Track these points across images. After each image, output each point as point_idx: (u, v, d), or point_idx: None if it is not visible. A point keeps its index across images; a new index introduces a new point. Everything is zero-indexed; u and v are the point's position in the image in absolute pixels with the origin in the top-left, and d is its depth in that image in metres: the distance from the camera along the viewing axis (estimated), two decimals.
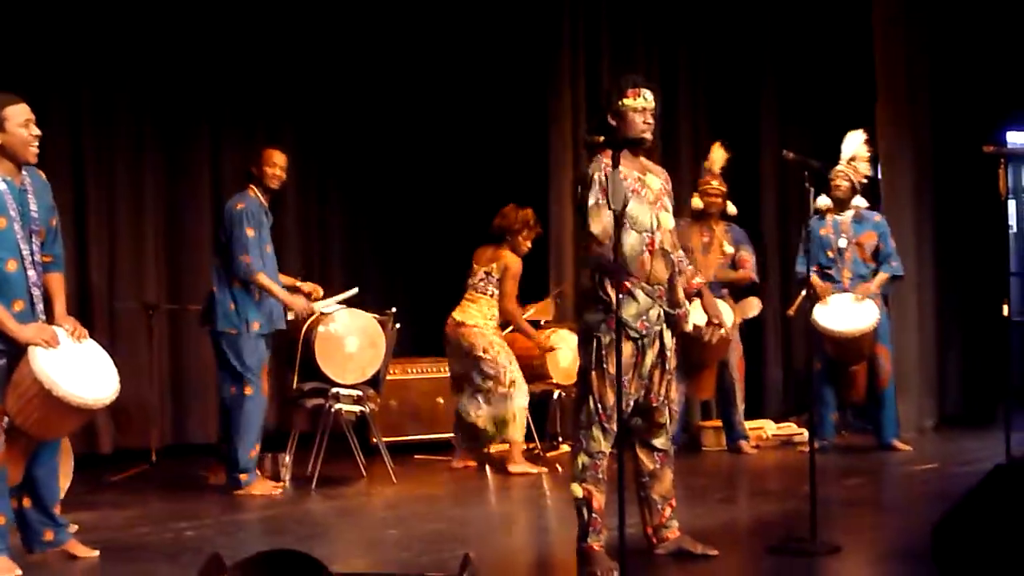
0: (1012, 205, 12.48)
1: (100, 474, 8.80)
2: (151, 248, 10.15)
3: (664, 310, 5.79)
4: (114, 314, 9.86)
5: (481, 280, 8.82)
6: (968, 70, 10.65)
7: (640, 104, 5.73)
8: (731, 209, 9.64)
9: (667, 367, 5.85)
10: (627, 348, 5.59)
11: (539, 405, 9.48)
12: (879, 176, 10.29)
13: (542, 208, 10.31)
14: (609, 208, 5.23)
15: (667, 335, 5.83)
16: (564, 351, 9.19)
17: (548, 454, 9.41)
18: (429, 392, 9.94)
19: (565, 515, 7.46)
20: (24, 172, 5.84)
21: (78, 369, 5.77)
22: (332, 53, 10.84)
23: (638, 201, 5.70)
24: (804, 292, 9.01)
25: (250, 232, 7.97)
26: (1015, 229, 12.65)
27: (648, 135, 5.75)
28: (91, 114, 9.86)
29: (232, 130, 10.42)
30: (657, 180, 5.84)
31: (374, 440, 8.86)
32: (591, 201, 5.64)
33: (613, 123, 5.76)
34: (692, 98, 11.20)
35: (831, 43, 11.13)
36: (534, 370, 9.08)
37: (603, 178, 5.57)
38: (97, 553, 6.20)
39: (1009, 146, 10.86)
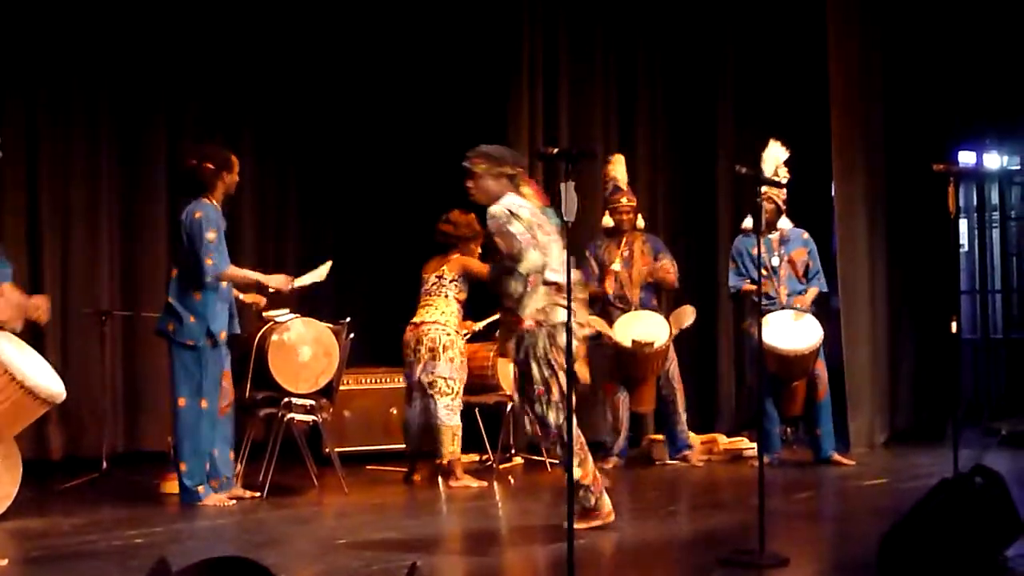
0: (963, 224, 12.59)
1: (50, 481, 8.76)
2: (105, 253, 10.11)
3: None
4: (67, 319, 9.81)
5: (433, 284, 8.83)
6: (921, 88, 10.74)
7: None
8: (640, 223, 9.70)
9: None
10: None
11: (493, 417, 9.50)
12: (832, 193, 10.39)
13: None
14: (562, 220, 5.32)
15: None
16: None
17: (501, 466, 9.42)
18: (382, 403, 9.93)
19: (517, 525, 7.53)
20: None
21: (34, 365, 5.77)
22: (293, 56, 10.84)
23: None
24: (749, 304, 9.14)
25: (211, 235, 7.90)
26: (965, 247, 12.76)
27: (475, 197, 6.93)
28: (47, 115, 9.83)
29: (190, 133, 10.39)
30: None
31: (326, 450, 8.84)
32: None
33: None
34: (650, 104, 11.25)
35: (788, 52, 11.22)
36: (486, 381, 9.10)
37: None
38: (5, 562, 6.10)
39: (960, 165, 10.94)
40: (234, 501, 7.95)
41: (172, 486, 8.22)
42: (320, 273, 8.44)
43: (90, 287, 10.01)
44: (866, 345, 10.38)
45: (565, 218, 5.28)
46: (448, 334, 8.71)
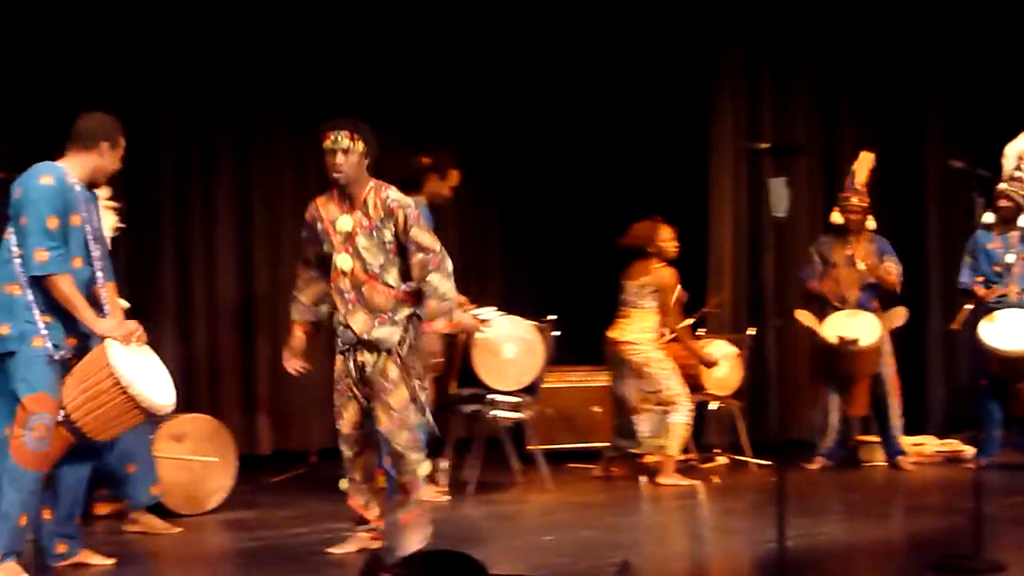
0: None
1: (260, 474, 8.96)
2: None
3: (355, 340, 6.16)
4: (277, 315, 10.00)
5: (633, 295, 8.74)
6: None
7: (329, 146, 6.08)
8: (871, 224, 9.48)
9: (375, 389, 6.18)
10: (339, 360, 6.30)
11: (695, 416, 9.41)
12: None
13: (700, 215, 10.27)
14: (774, 215, 5.22)
15: (368, 355, 6.16)
16: (720, 362, 9.15)
17: (703, 465, 9.34)
18: (585, 401, 9.91)
19: (720, 525, 7.45)
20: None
21: (146, 371, 5.77)
22: (495, 61, 10.90)
23: (328, 243, 6.17)
24: (970, 305, 8.87)
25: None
26: None
27: (338, 175, 6.08)
28: (256, 129, 10.08)
29: (390, 134, 10.51)
30: (349, 221, 6.12)
31: (529, 447, 8.86)
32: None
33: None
34: (854, 106, 11.05)
35: (998, 49, 10.89)
36: (689, 380, 9.03)
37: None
38: (112, 561, 6.14)
39: None
40: (446, 498, 8.02)
41: (380, 481, 8.32)
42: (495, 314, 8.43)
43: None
44: None
45: (774, 213, 5.17)
46: (643, 352, 8.65)
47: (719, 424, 9.69)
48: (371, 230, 6.08)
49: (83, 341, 5.75)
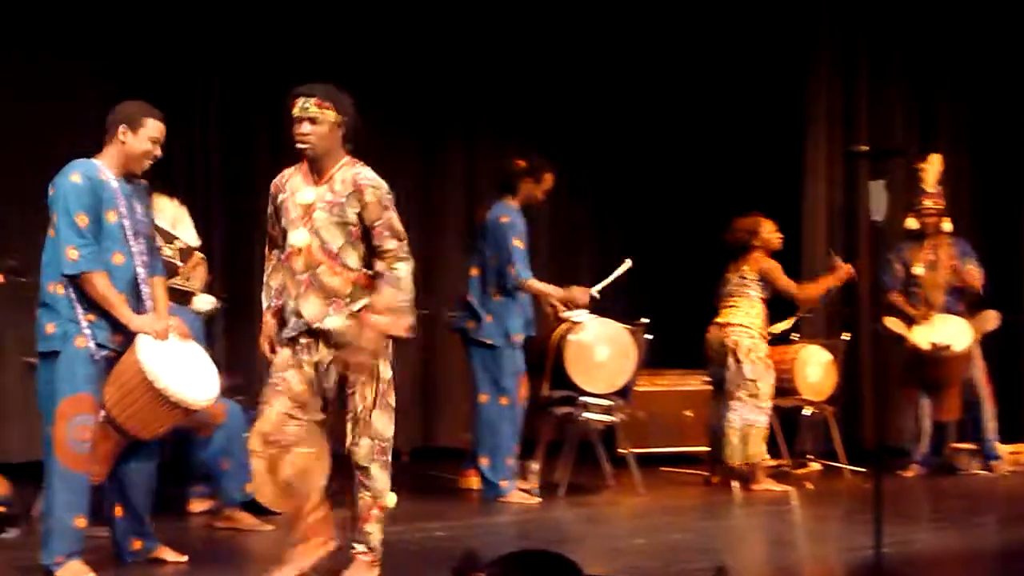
0: None
1: (349, 474, 8.98)
2: None
3: (305, 328, 5.38)
4: None
5: (736, 285, 8.67)
6: None
7: (296, 113, 5.43)
8: (947, 226, 9.36)
9: (344, 386, 5.43)
10: (283, 352, 5.45)
11: (788, 421, 9.34)
12: None
13: (794, 215, 10.17)
14: (872, 219, 5.13)
15: (323, 349, 5.39)
16: (814, 367, 9.06)
17: (797, 471, 9.26)
18: (677, 404, 9.86)
19: (814, 531, 7.39)
20: (137, 178, 5.91)
21: (181, 367, 5.70)
22: (585, 58, 10.89)
23: (285, 216, 5.49)
24: None
25: (517, 242, 8.07)
26: None
27: (304, 146, 5.42)
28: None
29: (485, 135, 10.60)
30: (311, 193, 5.45)
31: (621, 450, 8.83)
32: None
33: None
34: (952, 108, 10.90)
35: None
36: (783, 385, 8.95)
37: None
38: (186, 558, 6.10)
39: None
40: (537, 500, 8.03)
41: (471, 481, 8.36)
42: (618, 273, 8.45)
43: None
44: None
45: (873, 217, 5.11)
46: (752, 336, 8.56)
47: (813, 430, 9.58)
48: (332, 206, 5.39)
49: (128, 337, 5.66)
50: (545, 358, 8.25)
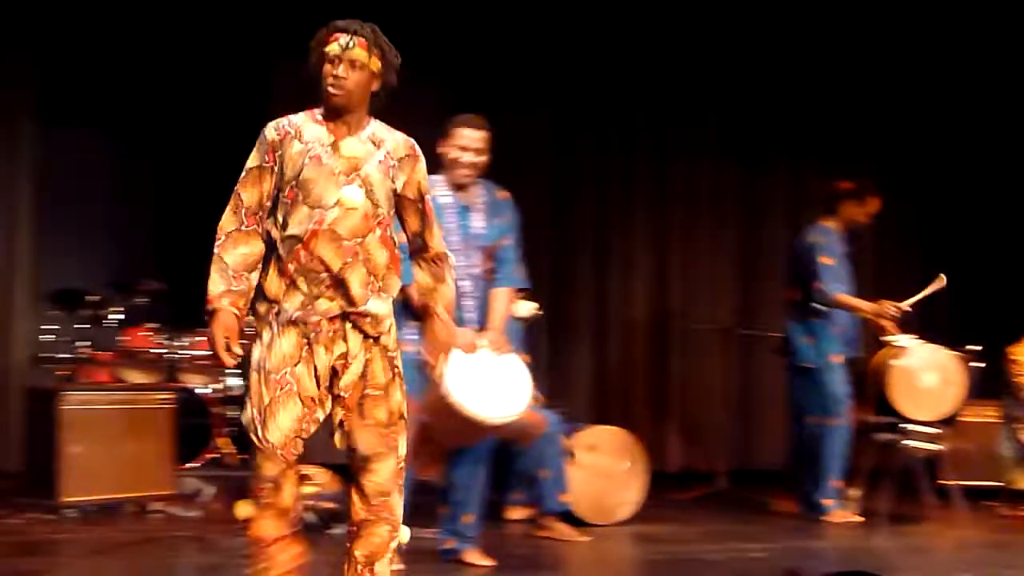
0: None
1: (666, 491, 9.00)
2: (728, 275, 10.39)
3: (345, 308, 4.30)
4: (688, 336, 10.10)
5: None
6: None
7: (334, 51, 4.27)
8: None
9: (369, 380, 4.32)
10: (288, 341, 4.26)
11: None
12: None
13: None
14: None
15: (353, 339, 4.32)
16: None
17: None
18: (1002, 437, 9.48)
19: None
20: (479, 190, 6.03)
21: (484, 382, 5.71)
22: (908, 77, 10.67)
23: (316, 169, 4.28)
24: None
25: (825, 259, 8.00)
26: None
27: (338, 92, 4.26)
28: (673, 142, 10.22)
29: (811, 160, 10.49)
30: (361, 148, 4.34)
31: (943, 481, 8.55)
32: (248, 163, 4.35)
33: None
34: None
35: None
36: None
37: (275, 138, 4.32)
38: (493, 563, 6.14)
39: None
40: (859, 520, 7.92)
41: (785, 505, 8.25)
42: (931, 290, 8.22)
43: (712, 305, 10.29)
44: None
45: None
46: None
47: None
48: (386, 167, 4.35)
49: None
50: (868, 383, 8.09)
